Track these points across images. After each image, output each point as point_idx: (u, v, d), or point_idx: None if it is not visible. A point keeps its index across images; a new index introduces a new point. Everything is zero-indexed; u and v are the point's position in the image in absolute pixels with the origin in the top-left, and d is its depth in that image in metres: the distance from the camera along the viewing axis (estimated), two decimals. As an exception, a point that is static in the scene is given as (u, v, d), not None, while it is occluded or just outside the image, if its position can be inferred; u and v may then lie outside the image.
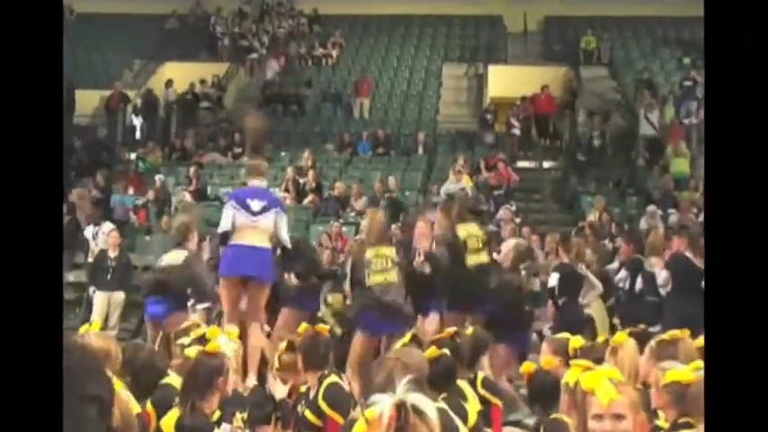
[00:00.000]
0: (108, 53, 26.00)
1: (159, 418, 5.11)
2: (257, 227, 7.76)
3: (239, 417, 4.67)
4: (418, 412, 2.30)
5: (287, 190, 18.09)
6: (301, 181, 18.21)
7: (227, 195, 8.25)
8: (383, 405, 2.29)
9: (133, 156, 20.94)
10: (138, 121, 22.70)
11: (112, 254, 13.77)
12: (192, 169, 18.60)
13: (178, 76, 24.03)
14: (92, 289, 13.65)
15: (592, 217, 15.19)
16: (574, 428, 3.19)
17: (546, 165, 20.65)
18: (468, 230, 8.74)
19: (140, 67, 25.56)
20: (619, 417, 2.99)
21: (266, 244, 7.81)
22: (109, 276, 13.51)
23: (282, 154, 20.74)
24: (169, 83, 23.28)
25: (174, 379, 5.48)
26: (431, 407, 2.34)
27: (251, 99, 23.99)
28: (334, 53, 25.81)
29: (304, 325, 5.46)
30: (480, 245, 8.72)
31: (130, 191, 18.19)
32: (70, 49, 25.48)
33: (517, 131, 21.31)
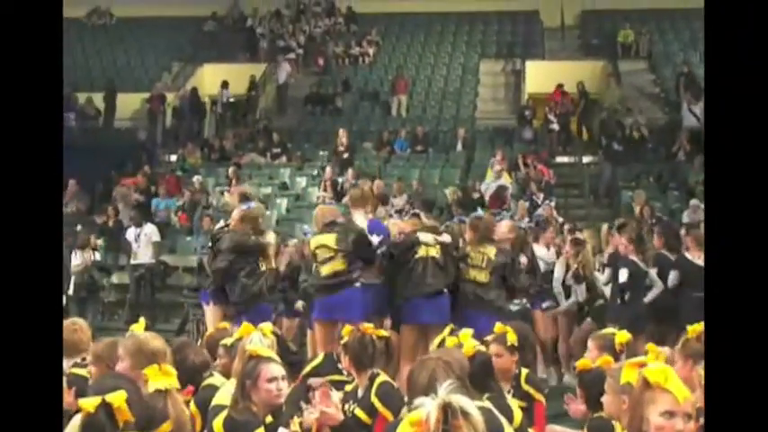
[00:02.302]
0: (147, 56, 26.21)
1: (203, 418, 5.14)
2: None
3: (296, 421, 4.68)
4: (463, 413, 2.30)
5: (325, 189, 18.15)
6: (340, 180, 18.25)
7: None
8: (428, 407, 2.29)
9: (173, 157, 21.13)
10: (177, 122, 22.88)
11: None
12: (230, 170, 18.70)
13: (216, 77, 24.18)
14: None
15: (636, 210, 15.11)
16: (626, 427, 3.15)
17: (585, 159, 20.51)
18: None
19: (179, 69, 25.73)
20: (689, 416, 2.91)
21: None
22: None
23: (321, 153, 20.80)
24: (225, 84, 23.37)
25: (217, 379, 5.51)
26: (474, 407, 2.33)
27: (289, 99, 24.09)
28: (371, 51, 25.82)
29: (348, 327, 5.47)
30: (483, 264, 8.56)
31: (168, 192, 18.33)
32: (110, 53, 25.81)
33: (555, 127, 21.22)
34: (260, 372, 4.60)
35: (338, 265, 8.05)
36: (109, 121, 22.78)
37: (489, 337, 5.78)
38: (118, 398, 3.49)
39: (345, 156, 19.33)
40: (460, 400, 2.34)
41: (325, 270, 8.10)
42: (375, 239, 8.17)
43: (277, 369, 4.70)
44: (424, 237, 8.15)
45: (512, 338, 5.72)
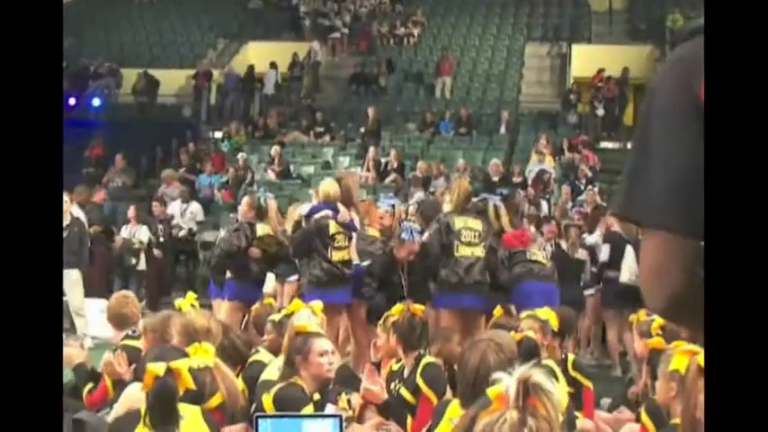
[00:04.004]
0: (193, 33, 26.34)
1: (251, 393, 5.20)
2: None
3: (344, 398, 4.72)
4: (542, 390, 2.31)
5: (368, 169, 18.16)
6: (383, 160, 18.25)
7: None
8: (508, 381, 2.30)
9: (218, 134, 21.25)
10: (222, 99, 22.98)
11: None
12: (274, 148, 18.77)
13: (261, 55, 24.25)
14: None
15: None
16: (681, 414, 3.16)
17: (630, 145, 20.31)
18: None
19: (224, 47, 25.83)
20: None
21: None
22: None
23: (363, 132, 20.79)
24: (273, 65, 23.43)
25: (263, 355, 5.57)
26: (553, 386, 2.34)
27: (333, 79, 24.11)
28: (416, 32, 25.74)
29: (399, 305, 5.49)
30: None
31: (212, 169, 18.44)
32: (155, 28, 25.98)
33: (601, 111, 21.07)
34: (311, 346, 4.64)
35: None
36: (153, 98, 22.93)
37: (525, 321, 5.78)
38: (182, 365, 3.56)
39: (371, 132, 19.34)
40: (539, 376, 2.35)
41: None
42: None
43: (327, 344, 4.74)
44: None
45: (554, 324, 5.72)
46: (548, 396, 2.29)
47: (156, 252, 14.39)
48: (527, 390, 2.28)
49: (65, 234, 11.32)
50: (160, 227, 14.50)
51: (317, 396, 4.73)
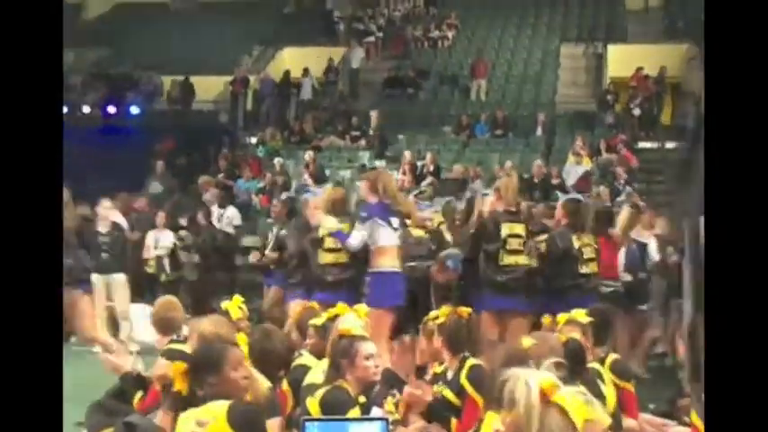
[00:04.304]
0: (228, 39, 26.50)
1: (295, 396, 5.23)
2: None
3: (390, 401, 4.74)
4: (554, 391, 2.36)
5: (404, 173, 18.17)
6: (419, 164, 18.26)
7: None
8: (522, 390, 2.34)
9: (254, 140, 21.36)
10: (258, 105, 23.11)
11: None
12: (308, 153, 18.84)
13: (296, 60, 24.36)
14: None
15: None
16: None
17: (669, 145, 20.19)
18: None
19: (259, 53, 25.96)
20: None
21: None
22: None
23: (400, 137, 20.84)
24: (306, 71, 23.55)
25: (307, 359, 5.59)
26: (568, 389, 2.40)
27: (367, 83, 24.16)
28: (451, 35, 25.73)
29: (446, 308, 5.50)
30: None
31: (250, 175, 18.54)
32: (191, 36, 26.16)
33: (638, 111, 20.93)
34: (357, 349, 4.66)
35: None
36: (190, 105, 23.11)
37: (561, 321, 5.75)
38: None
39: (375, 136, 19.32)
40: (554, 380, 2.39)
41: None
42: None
43: (372, 347, 4.76)
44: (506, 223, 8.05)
45: (585, 321, 5.68)
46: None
47: (194, 257, 14.45)
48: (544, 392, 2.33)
49: (106, 239, 11.51)
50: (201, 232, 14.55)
51: (362, 399, 4.75)
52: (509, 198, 8.08)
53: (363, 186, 8.15)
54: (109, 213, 11.87)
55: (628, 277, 9.81)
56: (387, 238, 7.56)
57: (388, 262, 7.55)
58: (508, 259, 7.94)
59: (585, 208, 8.71)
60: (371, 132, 20.11)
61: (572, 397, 2.30)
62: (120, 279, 11.60)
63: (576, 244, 8.17)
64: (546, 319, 6.10)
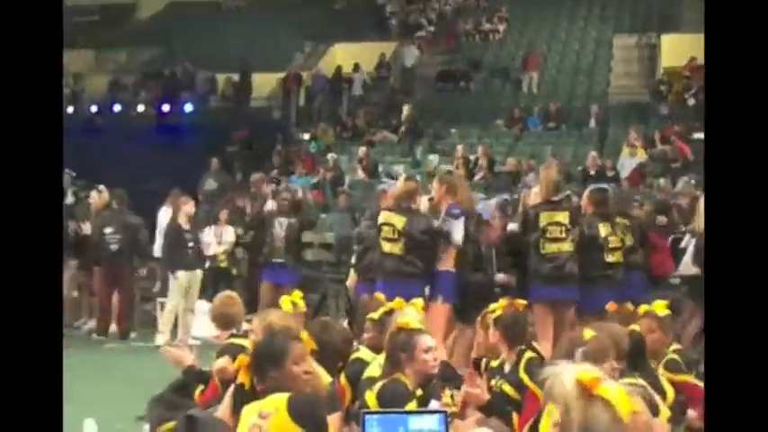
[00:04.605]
0: (280, 36, 26.65)
1: (353, 390, 5.28)
2: None
3: (448, 393, 4.77)
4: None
5: (457, 167, 18.13)
6: (472, 157, 18.23)
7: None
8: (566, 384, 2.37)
9: (306, 136, 21.47)
10: (310, 101, 23.23)
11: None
12: (362, 148, 18.89)
13: (347, 55, 24.43)
14: None
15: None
16: None
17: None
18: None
19: (311, 49, 26.08)
20: None
21: None
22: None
23: (452, 131, 20.81)
24: (356, 67, 23.63)
25: (365, 353, 5.64)
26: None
27: (420, 77, 24.15)
28: (502, 28, 25.63)
29: (502, 301, 5.51)
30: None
31: (303, 171, 18.63)
32: (244, 33, 26.38)
33: (692, 101, 20.67)
34: (416, 343, 4.70)
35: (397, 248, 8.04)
36: (245, 102, 23.29)
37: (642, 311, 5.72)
38: None
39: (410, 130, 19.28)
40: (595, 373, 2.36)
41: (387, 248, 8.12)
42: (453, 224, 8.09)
43: (430, 340, 4.79)
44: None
45: (664, 313, 5.65)
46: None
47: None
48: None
49: (188, 235, 11.76)
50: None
51: (419, 392, 4.79)
52: (549, 188, 8.18)
53: (441, 188, 8.31)
54: (188, 209, 12.08)
55: (696, 269, 9.71)
56: (459, 239, 7.94)
57: (452, 262, 7.94)
58: (550, 247, 8.04)
59: (610, 197, 8.78)
60: (403, 126, 20.12)
61: (616, 389, 2.29)
62: (198, 275, 11.89)
63: (603, 233, 8.18)
64: (610, 306, 6.07)
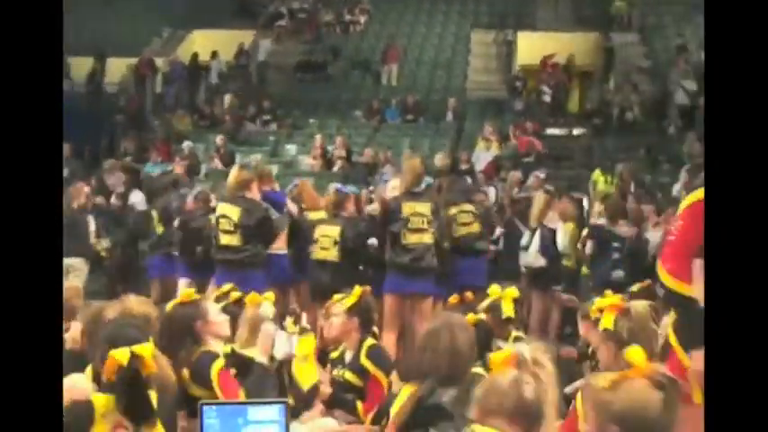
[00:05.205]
0: (138, 21, 25.98)
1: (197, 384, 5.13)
2: None
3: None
4: (536, 363, 2.80)
5: (314, 158, 18.12)
6: (329, 148, 18.22)
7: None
8: (521, 348, 2.84)
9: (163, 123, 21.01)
10: (166, 88, 22.74)
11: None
12: (219, 137, 18.63)
13: (206, 43, 24.03)
14: None
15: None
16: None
17: (576, 132, 20.50)
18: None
19: (169, 35, 25.55)
20: None
21: None
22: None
23: (311, 121, 20.75)
24: (215, 54, 23.26)
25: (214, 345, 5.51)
26: (547, 359, 2.81)
27: (279, 67, 23.96)
28: (363, 20, 25.70)
29: (358, 289, 5.45)
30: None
31: (158, 158, 18.21)
32: (102, 17, 25.57)
33: (548, 98, 21.22)
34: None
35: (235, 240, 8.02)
36: (99, 87, 22.61)
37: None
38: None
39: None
40: (533, 351, 2.84)
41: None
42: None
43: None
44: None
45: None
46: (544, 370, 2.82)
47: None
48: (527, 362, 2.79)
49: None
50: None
51: None
52: (410, 179, 8.24)
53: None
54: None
55: (542, 261, 10.04)
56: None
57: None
58: (411, 238, 8.04)
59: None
60: (225, 116, 20.12)
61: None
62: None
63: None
64: (453, 299, 6.10)
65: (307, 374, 4.82)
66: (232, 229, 7.98)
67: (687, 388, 3.46)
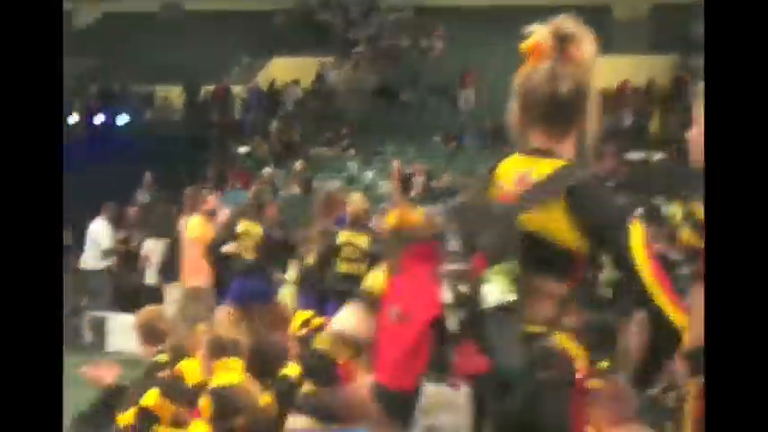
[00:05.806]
0: (218, 50, 26.44)
1: (281, 408, 5.19)
2: None
3: None
4: (575, 36, 2.49)
5: (393, 182, 18.14)
6: (407, 172, 18.25)
7: None
8: (542, 31, 2.54)
9: (241, 150, 21.31)
10: (245, 115, 23.08)
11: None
12: (298, 163, 18.80)
13: (284, 70, 24.32)
14: None
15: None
16: None
17: (656, 157, 20.25)
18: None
19: (248, 63, 25.93)
20: None
21: None
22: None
23: (388, 147, 20.84)
24: (295, 82, 23.52)
25: (293, 369, 5.56)
26: (587, 34, 2.52)
27: (357, 92, 24.13)
28: (440, 45, 25.74)
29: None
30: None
31: (237, 185, 18.48)
32: (180, 46, 26.12)
33: (628, 122, 21.10)
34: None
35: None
36: (186, 113, 23.06)
37: None
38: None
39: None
40: (571, 24, 2.53)
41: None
42: None
43: None
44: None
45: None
46: (580, 41, 2.46)
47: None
48: (561, 39, 2.45)
49: None
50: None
51: None
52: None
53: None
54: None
55: None
56: None
57: None
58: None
59: None
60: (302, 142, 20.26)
61: None
62: None
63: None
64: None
65: None
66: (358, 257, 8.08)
67: None
